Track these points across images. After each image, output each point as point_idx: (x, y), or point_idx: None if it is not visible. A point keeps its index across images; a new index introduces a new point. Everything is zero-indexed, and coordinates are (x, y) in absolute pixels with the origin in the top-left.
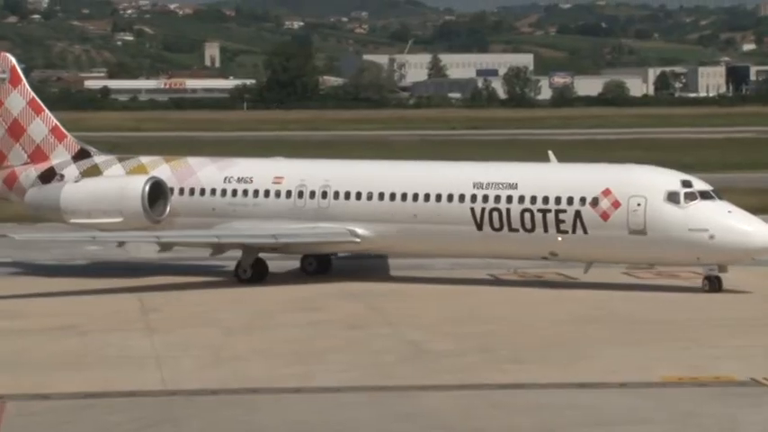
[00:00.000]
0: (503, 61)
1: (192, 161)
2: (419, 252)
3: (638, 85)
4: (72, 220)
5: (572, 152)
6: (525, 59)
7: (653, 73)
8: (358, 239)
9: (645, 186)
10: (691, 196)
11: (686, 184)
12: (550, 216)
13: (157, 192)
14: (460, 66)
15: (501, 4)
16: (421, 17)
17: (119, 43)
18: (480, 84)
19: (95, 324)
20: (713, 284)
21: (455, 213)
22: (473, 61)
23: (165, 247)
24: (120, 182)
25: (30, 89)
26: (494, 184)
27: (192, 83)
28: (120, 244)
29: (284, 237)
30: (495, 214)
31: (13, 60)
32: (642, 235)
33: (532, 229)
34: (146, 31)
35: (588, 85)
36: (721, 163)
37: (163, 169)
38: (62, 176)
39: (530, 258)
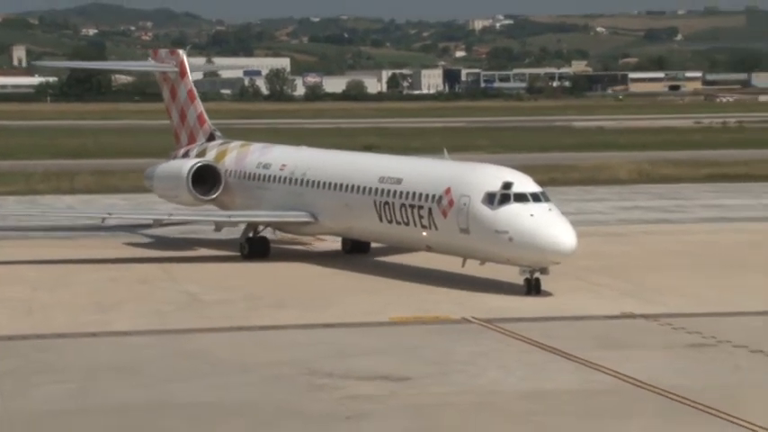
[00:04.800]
0: (265, 64)
1: (253, 147)
2: (359, 237)
3: (374, 84)
4: (157, 195)
5: (322, 138)
6: (283, 62)
7: (386, 74)
8: (312, 221)
9: (472, 186)
10: (505, 198)
11: (506, 185)
12: (415, 212)
13: (213, 174)
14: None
15: (263, 16)
16: (197, 27)
17: None
18: (247, 82)
19: None
20: (528, 286)
21: (366, 205)
22: (241, 64)
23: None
24: (180, 164)
25: (190, 80)
26: (389, 178)
27: (1, 80)
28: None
29: (238, 216)
30: (387, 208)
31: (184, 56)
32: (467, 234)
33: (408, 224)
34: None
35: (334, 84)
36: (441, 146)
37: (233, 154)
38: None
39: (419, 250)
